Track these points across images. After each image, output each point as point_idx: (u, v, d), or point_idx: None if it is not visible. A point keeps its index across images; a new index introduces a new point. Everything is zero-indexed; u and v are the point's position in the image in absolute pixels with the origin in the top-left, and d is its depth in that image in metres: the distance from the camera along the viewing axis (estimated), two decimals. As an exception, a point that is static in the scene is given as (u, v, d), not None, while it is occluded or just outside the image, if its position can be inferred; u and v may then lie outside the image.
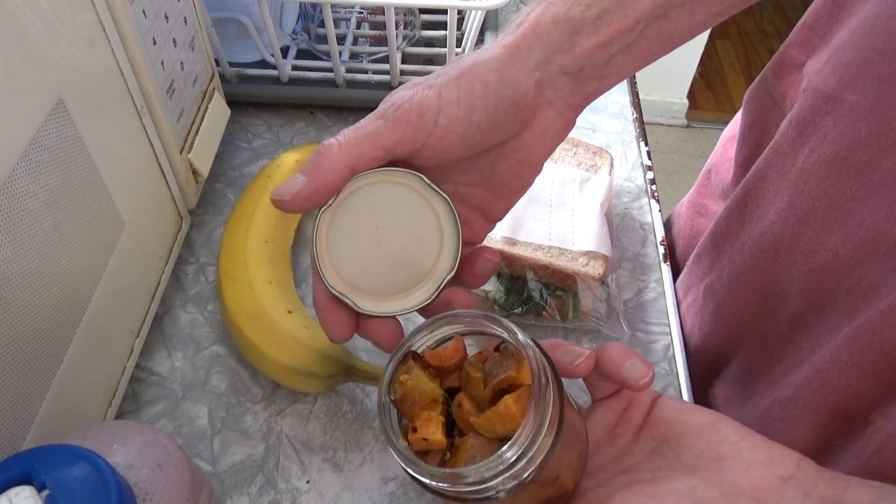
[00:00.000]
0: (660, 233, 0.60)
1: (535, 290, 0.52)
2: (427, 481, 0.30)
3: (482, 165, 0.38)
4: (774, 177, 0.46)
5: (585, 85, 0.37)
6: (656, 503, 0.29)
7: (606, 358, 0.34)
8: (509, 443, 0.29)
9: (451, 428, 0.32)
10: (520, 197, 0.40)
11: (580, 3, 0.35)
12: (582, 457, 0.33)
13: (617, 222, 0.61)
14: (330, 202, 0.35)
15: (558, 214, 0.54)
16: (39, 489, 0.27)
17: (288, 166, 0.56)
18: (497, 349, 0.34)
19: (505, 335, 0.32)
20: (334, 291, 0.35)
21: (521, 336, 0.31)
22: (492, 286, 0.53)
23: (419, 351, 0.34)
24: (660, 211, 0.62)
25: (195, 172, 0.53)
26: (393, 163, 0.35)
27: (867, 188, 0.39)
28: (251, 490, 0.46)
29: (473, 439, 0.31)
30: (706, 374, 0.55)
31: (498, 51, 0.35)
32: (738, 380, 0.53)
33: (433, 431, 0.31)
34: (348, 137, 0.34)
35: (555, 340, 0.35)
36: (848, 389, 0.40)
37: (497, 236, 0.52)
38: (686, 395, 0.52)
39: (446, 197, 0.36)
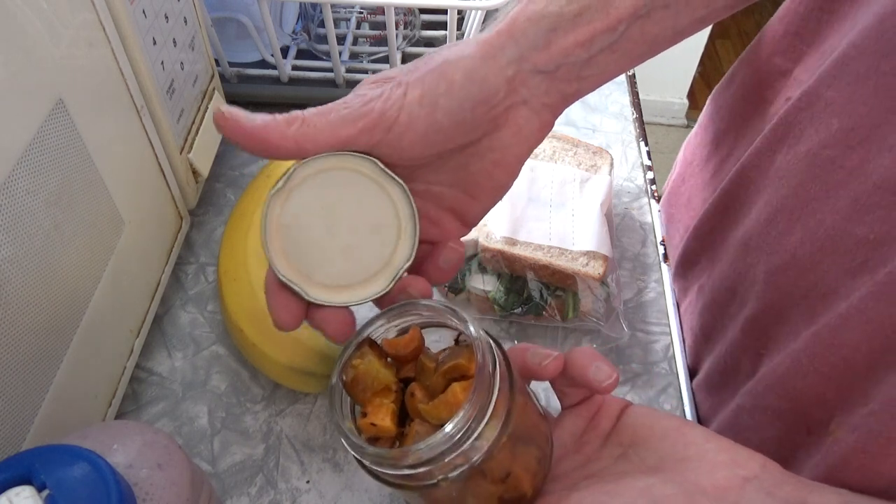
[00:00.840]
0: (660, 233, 0.60)
1: (535, 290, 0.52)
2: (368, 464, 0.30)
3: (455, 165, 0.36)
4: (754, 176, 0.45)
5: (563, 85, 0.35)
6: (612, 499, 0.29)
7: (573, 361, 0.34)
8: (448, 423, 0.29)
9: (405, 418, 0.32)
10: (496, 200, 0.38)
11: (558, 0, 0.34)
12: (543, 462, 0.33)
13: (617, 222, 0.61)
14: (279, 184, 0.34)
15: (558, 214, 0.54)
16: (39, 489, 0.27)
17: (287, 166, 0.56)
18: (456, 341, 0.34)
19: (459, 326, 0.32)
20: (283, 278, 0.34)
21: (471, 327, 0.31)
22: (492, 286, 0.53)
23: (377, 339, 0.34)
24: (660, 211, 0.62)
25: (195, 172, 0.53)
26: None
27: (830, 186, 0.38)
28: (251, 490, 0.46)
29: (419, 426, 0.31)
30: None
31: (470, 48, 0.34)
32: (702, 387, 0.52)
33: (382, 417, 0.31)
34: (312, 121, 0.34)
35: (525, 344, 0.35)
36: (809, 395, 0.39)
37: (497, 236, 0.52)
38: (686, 396, 0.52)
39: (402, 184, 0.35)
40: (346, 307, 0.35)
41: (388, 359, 0.34)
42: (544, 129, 0.37)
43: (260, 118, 0.34)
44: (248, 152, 0.34)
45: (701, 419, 0.52)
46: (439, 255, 0.37)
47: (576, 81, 0.35)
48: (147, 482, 0.31)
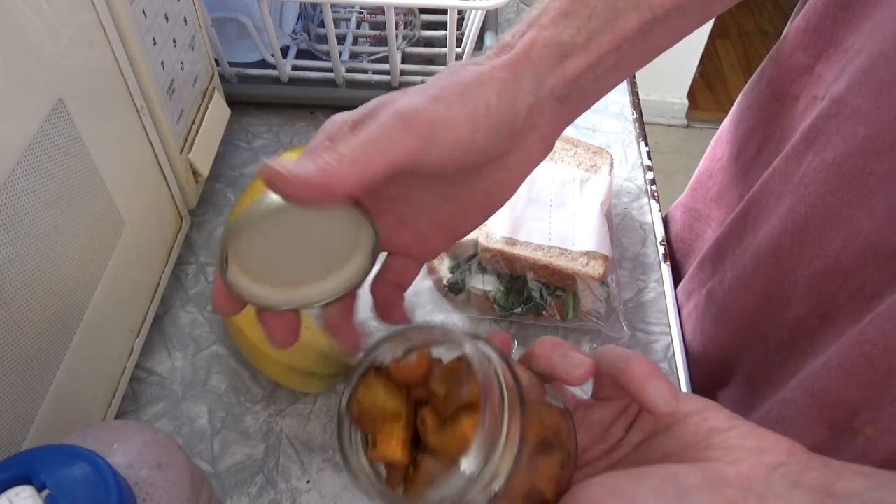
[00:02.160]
0: (660, 233, 0.60)
1: (536, 290, 0.52)
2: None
3: (457, 179, 0.35)
4: (777, 182, 0.46)
5: (569, 108, 0.36)
6: (636, 485, 0.28)
7: (629, 373, 0.31)
8: (461, 462, 0.27)
9: (419, 441, 0.31)
10: (485, 218, 0.38)
11: (570, 26, 0.33)
12: (567, 464, 0.32)
13: (617, 222, 0.61)
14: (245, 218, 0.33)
15: (558, 214, 0.54)
16: (39, 489, 0.27)
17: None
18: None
19: (459, 350, 0.30)
20: (227, 279, 0.33)
21: (468, 349, 0.29)
22: (492, 286, 0.53)
23: (383, 363, 0.32)
24: (660, 211, 0.62)
25: (195, 172, 0.53)
26: None
27: (862, 194, 0.39)
28: (251, 490, 0.46)
29: (429, 464, 0.29)
30: (710, 380, 0.55)
31: (497, 71, 0.34)
32: (741, 385, 0.52)
33: (393, 449, 0.30)
34: (354, 147, 0.30)
35: (554, 339, 0.33)
36: (833, 392, 0.39)
37: (497, 236, 0.52)
38: (686, 395, 0.52)
39: (367, 215, 0.34)
40: (293, 311, 0.34)
41: (394, 383, 0.32)
42: (546, 151, 0.37)
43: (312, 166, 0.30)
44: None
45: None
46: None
47: (581, 102, 0.36)
48: (147, 482, 0.31)
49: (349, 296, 0.34)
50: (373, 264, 0.34)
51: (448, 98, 0.32)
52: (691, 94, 2.28)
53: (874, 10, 0.41)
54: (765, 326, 0.48)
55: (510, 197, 0.37)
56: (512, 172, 0.36)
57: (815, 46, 0.46)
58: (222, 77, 0.65)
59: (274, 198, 0.31)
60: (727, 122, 0.58)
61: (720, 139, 0.59)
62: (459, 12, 0.69)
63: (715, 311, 0.53)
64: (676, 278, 0.59)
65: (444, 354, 0.32)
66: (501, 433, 0.28)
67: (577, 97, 0.35)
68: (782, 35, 0.50)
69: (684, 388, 0.52)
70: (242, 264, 0.33)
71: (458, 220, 0.37)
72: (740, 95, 0.56)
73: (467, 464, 0.27)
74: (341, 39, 0.70)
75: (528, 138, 0.35)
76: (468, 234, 0.38)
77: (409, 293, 0.56)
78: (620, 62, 0.35)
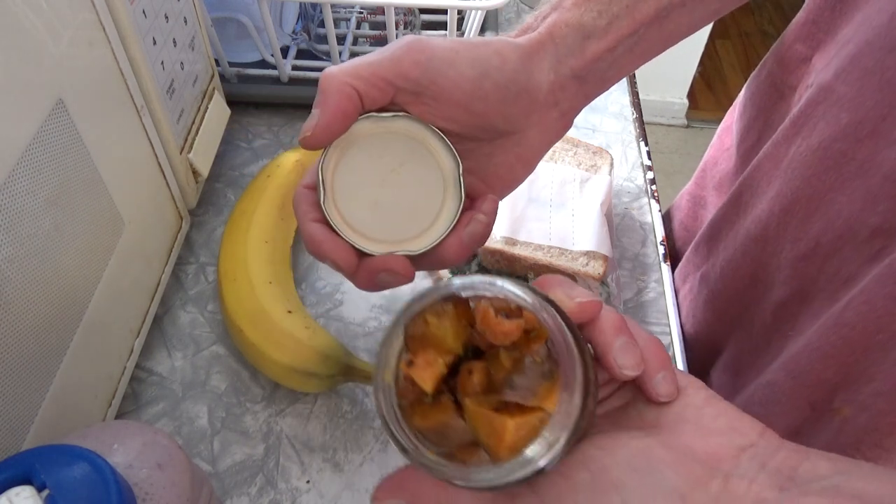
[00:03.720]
0: (660, 233, 0.60)
1: (535, 290, 0.52)
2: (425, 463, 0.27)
3: (481, 154, 0.38)
4: (768, 167, 0.47)
5: (589, 88, 0.38)
6: (609, 456, 0.28)
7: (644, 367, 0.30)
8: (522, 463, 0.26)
9: (450, 375, 0.29)
10: (507, 193, 0.40)
11: (591, 10, 0.35)
12: (594, 399, 0.29)
13: (617, 222, 0.61)
14: (336, 143, 0.35)
15: (558, 214, 0.54)
16: (39, 489, 0.27)
17: (288, 166, 0.56)
18: (547, 341, 0.28)
19: (552, 343, 0.27)
20: (343, 236, 0.35)
21: (557, 338, 0.27)
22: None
23: (472, 301, 0.29)
24: (660, 211, 0.62)
25: (195, 172, 0.53)
26: (405, 111, 0.36)
27: (843, 178, 0.40)
28: (251, 490, 0.46)
29: (451, 420, 0.28)
30: (701, 364, 0.55)
31: (520, 43, 0.36)
32: (728, 368, 0.53)
33: (426, 378, 0.28)
34: (348, 63, 0.34)
35: (555, 277, 0.31)
36: (813, 373, 0.41)
37: (497, 236, 0.52)
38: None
39: (454, 151, 0.36)
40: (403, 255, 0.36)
41: (466, 323, 0.29)
42: (566, 128, 0.39)
43: (315, 112, 0.34)
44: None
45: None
46: (463, 228, 0.37)
47: (600, 84, 0.38)
48: (147, 482, 0.31)
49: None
50: (462, 200, 0.36)
51: (461, 47, 0.35)
52: (691, 94, 2.28)
53: (866, 2, 0.42)
54: (751, 309, 0.49)
55: (530, 172, 0.39)
56: (531, 147, 0.38)
57: (814, 38, 0.47)
58: (222, 77, 0.65)
59: (358, 156, 0.36)
60: (732, 112, 0.60)
61: (727, 129, 0.60)
62: (459, 12, 0.69)
63: (707, 294, 0.54)
64: (677, 267, 0.60)
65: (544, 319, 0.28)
66: (568, 429, 0.27)
67: (595, 79, 0.37)
68: (788, 27, 0.51)
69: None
70: (351, 225, 0.36)
71: (480, 194, 0.38)
72: (744, 86, 0.57)
73: (523, 470, 0.26)
74: (341, 39, 0.70)
75: (548, 114, 0.37)
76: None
77: (409, 293, 0.56)
78: (637, 46, 0.36)
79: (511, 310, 0.28)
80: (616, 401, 0.33)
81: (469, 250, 0.37)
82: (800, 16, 0.49)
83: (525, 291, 0.28)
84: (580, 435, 0.27)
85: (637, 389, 0.31)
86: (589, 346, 0.29)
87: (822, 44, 0.46)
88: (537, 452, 0.27)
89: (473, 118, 0.36)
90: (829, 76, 0.42)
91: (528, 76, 0.35)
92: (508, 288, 0.28)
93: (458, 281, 0.29)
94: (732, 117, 0.59)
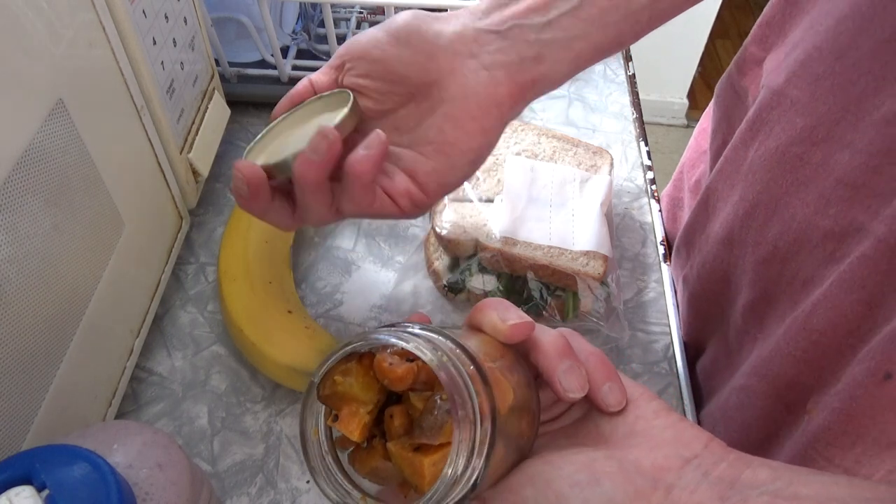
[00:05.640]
0: (660, 233, 0.60)
1: (536, 289, 0.52)
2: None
3: (409, 123, 0.39)
4: (729, 170, 0.47)
5: (519, 46, 0.36)
6: (554, 471, 0.29)
7: (588, 374, 0.31)
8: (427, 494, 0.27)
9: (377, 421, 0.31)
10: (450, 165, 0.38)
11: None
12: (532, 423, 0.31)
13: (617, 222, 0.61)
14: (259, 137, 0.44)
15: (558, 214, 0.54)
16: (39, 489, 0.27)
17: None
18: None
19: (441, 373, 0.28)
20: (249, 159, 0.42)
21: (445, 376, 0.28)
22: (492, 286, 0.53)
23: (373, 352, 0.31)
24: (660, 211, 0.62)
25: (195, 172, 0.53)
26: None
27: (800, 181, 0.40)
28: (251, 490, 0.46)
29: (381, 463, 0.30)
30: (691, 366, 0.56)
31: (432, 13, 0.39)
32: (705, 370, 0.54)
33: (352, 429, 0.30)
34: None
35: (493, 300, 0.32)
36: (786, 377, 0.41)
37: (497, 236, 0.52)
38: (686, 395, 0.52)
39: (350, 92, 0.40)
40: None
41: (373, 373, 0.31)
42: (498, 88, 0.37)
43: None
44: None
45: (701, 402, 0.53)
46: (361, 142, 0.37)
47: (535, 45, 0.36)
48: (147, 482, 0.31)
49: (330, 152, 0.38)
50: (351, 108, 0.39)
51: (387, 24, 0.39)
52: (691, 94, 2.28)
53: (813, 6, 0.43)
54: (725, 312, 0.50)
55: (472, 138, 0.38)
56: (456, 105, 0.37)
57: (767, 41, 0.48)
58: (222, 77, 0.65)
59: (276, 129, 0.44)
60: (707, 115, 0.60)
61: (703, 132, 0.60)
62: (459, 12, 0.69)
63: (688, 297, 0.55)
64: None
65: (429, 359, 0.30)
66: (470, 466, 0.28)
67: (522, 35, 0.36)
68: None
69: (684, 387, 0.52)
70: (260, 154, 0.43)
71: (420, 166, 0.39)
72: (716, 87, 0.57)
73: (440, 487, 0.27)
74: (341, 39, 0.70)
75: (462, 65, 0.37)
76: (438, 188, 0.39)
77: (408, 293, 0.56)
78: (580, 11, 0.36)
79: (398, 353, 0.30)
80: (576, 412, 0.34)
81: (316, 167, 0.37)
82: (759, 19, 0.49)
83: (415, 335, 0.30)
84: (485, 464, 0.28)
85: (591, 401, 0.32)
86: (520, 372, 0.31)
87: (774, 46, 0.47)
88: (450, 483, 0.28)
89: (374, 66, 0.39)
90: (780, 80, 0.42)
91: (425, 24, 0.37)
92: (384, 337, 0.30)
93: (356, 338, 0.30)
94: (707, 120, 0.59)
